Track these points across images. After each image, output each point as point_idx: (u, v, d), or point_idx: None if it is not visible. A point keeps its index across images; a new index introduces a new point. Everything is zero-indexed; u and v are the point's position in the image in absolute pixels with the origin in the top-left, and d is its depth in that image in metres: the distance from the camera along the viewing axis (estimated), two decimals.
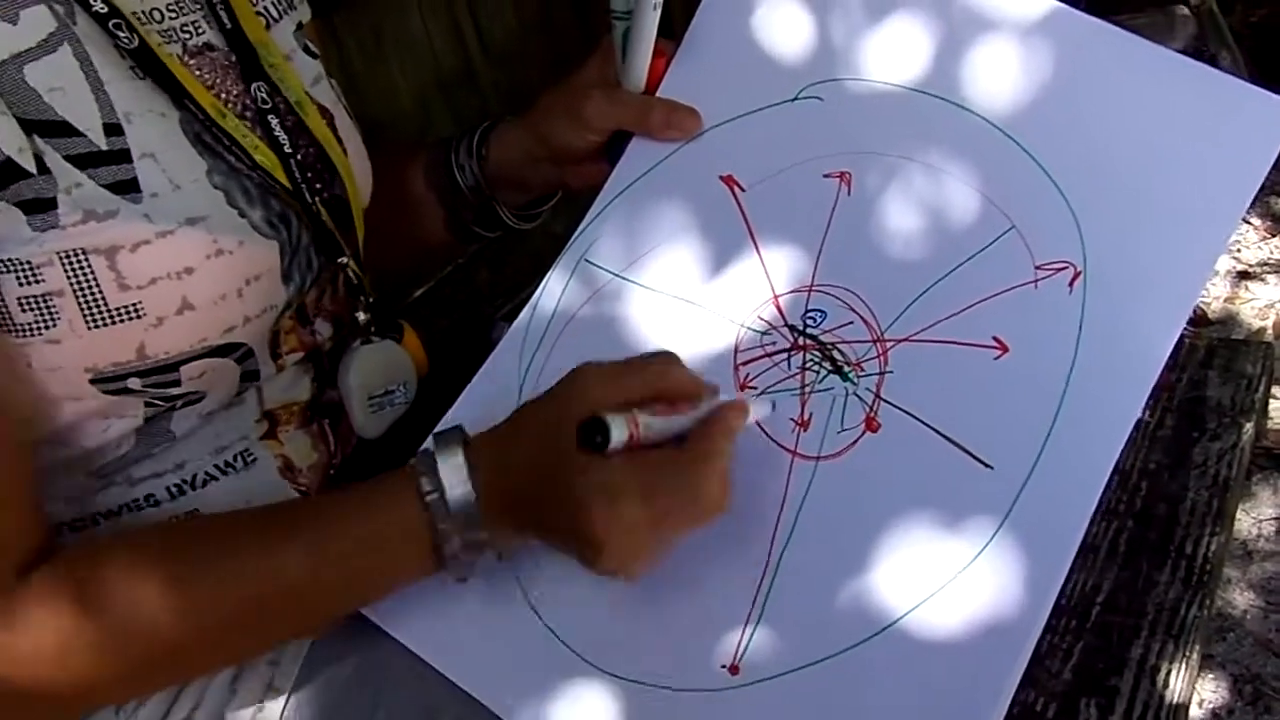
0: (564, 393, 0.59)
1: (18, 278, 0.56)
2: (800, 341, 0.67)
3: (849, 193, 0.70)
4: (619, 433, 0.55)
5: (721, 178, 0.72)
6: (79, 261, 0.57)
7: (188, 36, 0.65)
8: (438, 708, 0.64)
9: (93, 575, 0.57)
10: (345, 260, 0.70)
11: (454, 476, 0.59)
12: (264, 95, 0.67)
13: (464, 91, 1.59)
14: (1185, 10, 2.36)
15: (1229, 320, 1.98)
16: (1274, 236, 2.16)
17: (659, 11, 0.72)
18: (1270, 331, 1.93)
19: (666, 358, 0.61)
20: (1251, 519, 1.61)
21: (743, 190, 0.72)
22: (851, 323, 0.67)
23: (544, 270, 0.73)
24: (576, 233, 0.73)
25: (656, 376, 0.59)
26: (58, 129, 0.57)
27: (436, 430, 0.62)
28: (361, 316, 0.72)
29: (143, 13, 0.63)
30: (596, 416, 0.55)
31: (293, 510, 0.64)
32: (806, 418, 0.65)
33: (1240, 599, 1.51)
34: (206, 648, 0.61)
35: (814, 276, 0.68)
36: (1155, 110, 0.67)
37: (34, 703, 0.58)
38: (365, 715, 0.65)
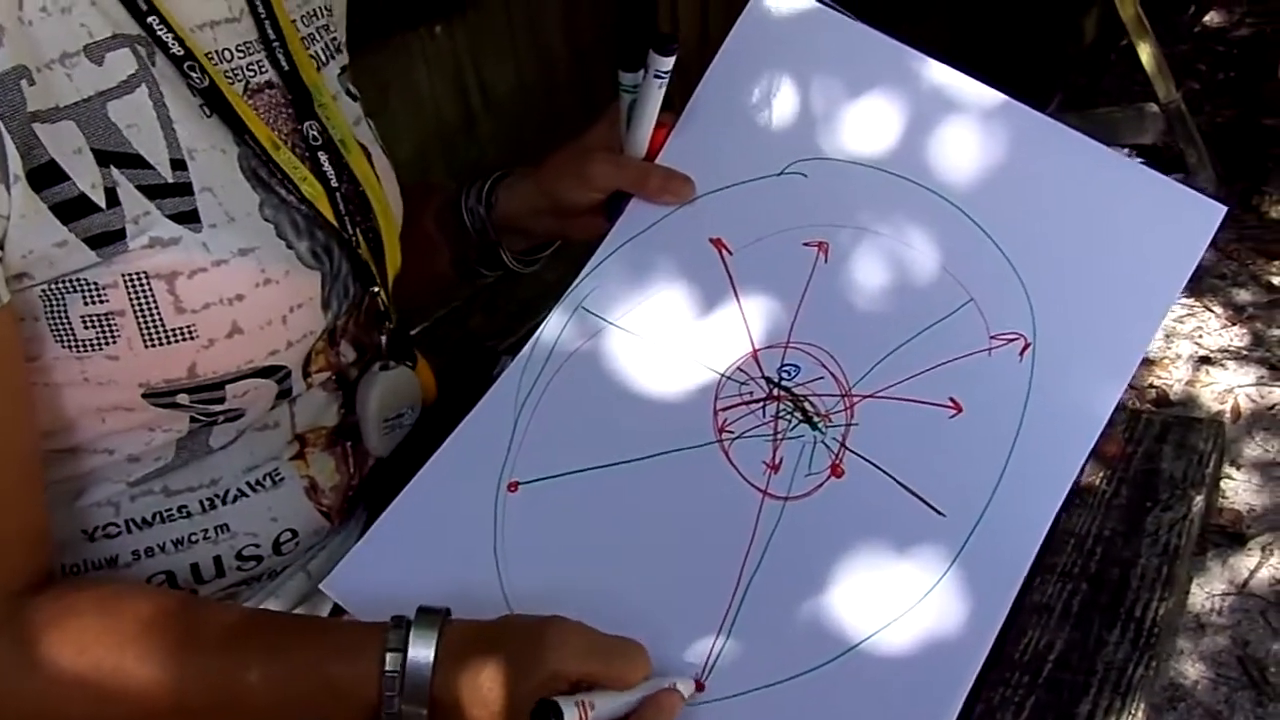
0: (539, 637, 0.59)
1: (84, 297, 0.59)
2: (775, 392, 0.72)
3: (826, 261, 0.75)
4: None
5: (711, 240, 0.77)
6: (141, 284, 0.60)
7: (251, 75, 0.69)
8: None
9: (63, 622, 0.58)
10: (377, 289, 0.74)
11: (417, 673, 0.58)
12: (314, 133, 0.71)
13: (462, 143, 1.65)
14: (1155, 108, 2.46)
15: (1189, 402, 2.04)
16: (1234, 325, 2.21)
17: (664, 89, 0.77)
18: (1228, 415, 2.00)
19: (640, 651, 0.61)
20: (1205, 593, 1.63)
21: (730, 253, 0.76)
22: (822, 378, 0.72)
23: (534, 315, 0.76)
24: (576, 281, 0.78)
25: (624, 667, 0.60)
26: (132, 161, 0.61)
27: (423, 605, 0.61)
28: (383, 340, 0.76)
29: (215, 52, 0.67)
30: (551, 701, 0.56)
31: (265, 632, 0.62)
32: (777, 462, 0.70)
33: (1191, 670, 1.54)
34: None
35: (790, 334, 0.73)
36: (1099, 204, 0.73)
37: None
38: None
